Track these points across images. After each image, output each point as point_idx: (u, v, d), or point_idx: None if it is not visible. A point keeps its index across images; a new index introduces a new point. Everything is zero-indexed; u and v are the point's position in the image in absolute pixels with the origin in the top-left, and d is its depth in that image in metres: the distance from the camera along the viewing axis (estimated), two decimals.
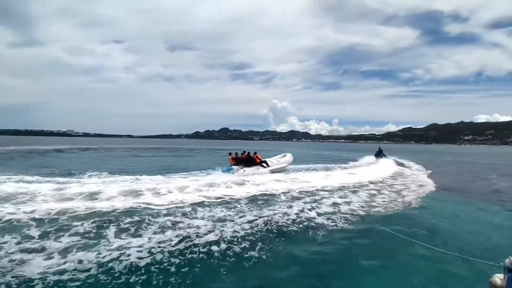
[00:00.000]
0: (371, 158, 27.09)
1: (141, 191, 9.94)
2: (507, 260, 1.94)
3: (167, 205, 8.51)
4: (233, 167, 15.44)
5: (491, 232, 6.66)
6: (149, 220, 6.98)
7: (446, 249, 4.58)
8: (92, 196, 9.15)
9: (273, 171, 16.50)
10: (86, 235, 5.92)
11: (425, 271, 4.59)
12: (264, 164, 16.56)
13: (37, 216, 6.79)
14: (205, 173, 15.47)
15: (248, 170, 15.14)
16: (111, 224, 6.59)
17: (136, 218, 7.06)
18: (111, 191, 9.78)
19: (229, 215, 7.45)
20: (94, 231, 6.14)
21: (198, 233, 6.17)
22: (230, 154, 17.01)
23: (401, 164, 24.83)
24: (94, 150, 43.12)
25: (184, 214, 7.59)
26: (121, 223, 6.72)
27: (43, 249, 5.16)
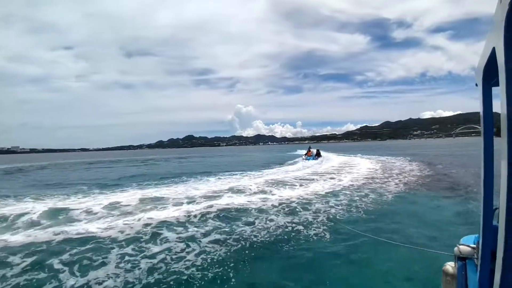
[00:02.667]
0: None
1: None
2: (455, 249, 1.98)
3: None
4: (310, 157, 29.52)
5: (441, 222, 7.00)
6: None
7: (401, 242, 4.81)
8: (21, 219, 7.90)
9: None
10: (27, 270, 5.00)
11: (383, 264, 4.76)
12: (321, 155, 31.44)
13: None
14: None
15: (320, 159, 29.00)
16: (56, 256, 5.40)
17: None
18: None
19: (198, 231, 6.93)
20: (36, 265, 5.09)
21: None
22: (309, 149, 32.04)
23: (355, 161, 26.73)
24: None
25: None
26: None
27: None
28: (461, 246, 1.96)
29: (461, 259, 1.94)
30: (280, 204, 9.38)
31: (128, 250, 5.74)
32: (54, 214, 8.51)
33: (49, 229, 7.13)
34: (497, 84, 1.42)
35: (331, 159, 29.31)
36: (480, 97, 1.54)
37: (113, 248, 5.85)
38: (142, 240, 6.30)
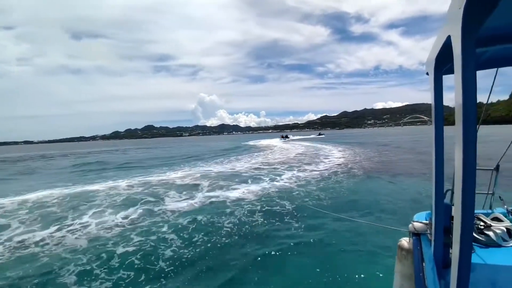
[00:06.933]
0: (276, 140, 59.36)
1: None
2: (410, 226, 2.10)
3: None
4: (283, 139, 59.13)
5: (397, 201, 7.49)
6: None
7: (361, 219, 5.14)
8: None
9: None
10: None
11: (343, 240, 5.02)
12: (289, 137, 64.81)
13: None
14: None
15: (288, 139, 59.04)
16: None
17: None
18: None
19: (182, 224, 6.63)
20: None
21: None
22: (281, 136, 63.74)
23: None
24: None
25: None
26: None
27: None
28: (415, 223, 2.09)
29: (415, 234, 2.06)
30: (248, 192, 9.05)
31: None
32: None
33: None
34: (447, 72, 1.56)
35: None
36: (432, 85, 1.59)
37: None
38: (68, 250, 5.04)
